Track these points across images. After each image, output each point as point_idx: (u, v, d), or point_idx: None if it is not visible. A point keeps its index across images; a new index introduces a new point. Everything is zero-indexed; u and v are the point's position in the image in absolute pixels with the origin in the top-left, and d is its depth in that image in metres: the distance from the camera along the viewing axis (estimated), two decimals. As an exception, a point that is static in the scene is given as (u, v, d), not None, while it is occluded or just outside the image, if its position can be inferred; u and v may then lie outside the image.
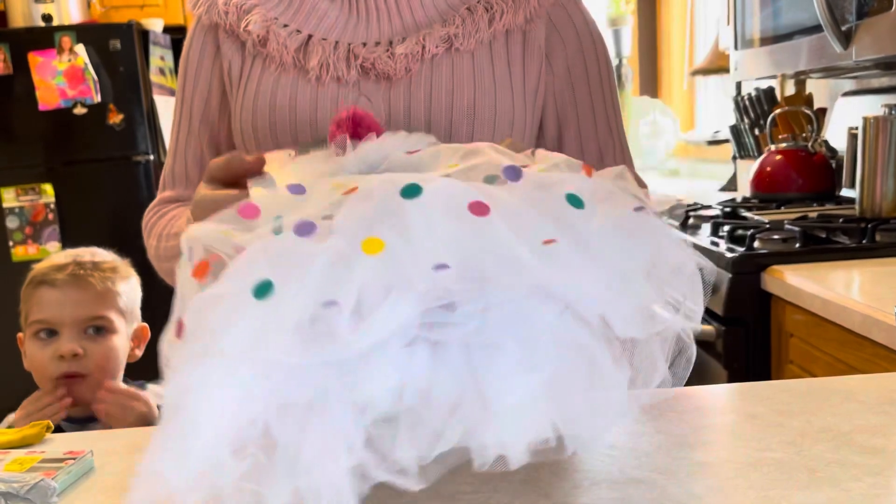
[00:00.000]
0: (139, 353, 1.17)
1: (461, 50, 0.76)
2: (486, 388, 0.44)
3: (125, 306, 1.13)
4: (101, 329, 1.11)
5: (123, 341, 1.13)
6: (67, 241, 2.90)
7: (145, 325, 1.18)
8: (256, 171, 0.56)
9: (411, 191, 0.44)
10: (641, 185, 0.84)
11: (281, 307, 0.41)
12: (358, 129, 0.59)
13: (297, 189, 0.49)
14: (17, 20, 2.99)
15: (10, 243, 2.95)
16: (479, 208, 0.44)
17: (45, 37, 2.89)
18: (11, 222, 2.94)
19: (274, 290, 0.42)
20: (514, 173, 0.49)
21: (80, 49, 2.87)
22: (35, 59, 2.86)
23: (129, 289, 1.15)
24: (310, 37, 0.77)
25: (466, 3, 0.78)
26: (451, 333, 0.43)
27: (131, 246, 3.35)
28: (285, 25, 0.77)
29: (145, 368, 1.16)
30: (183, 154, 0.84)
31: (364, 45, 0.76)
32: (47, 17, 2.98)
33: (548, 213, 0.46)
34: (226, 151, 0.83)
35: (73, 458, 0.64)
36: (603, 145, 0.82)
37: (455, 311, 0.43)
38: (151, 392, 1.15)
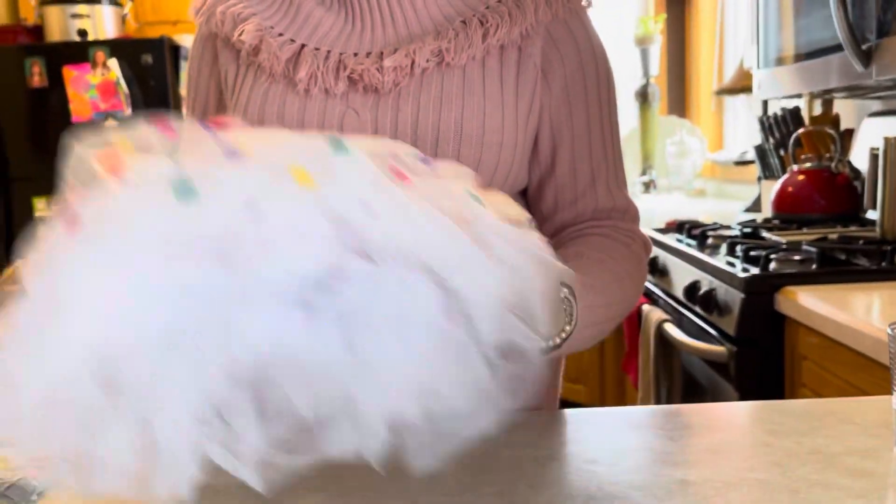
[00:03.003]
0: None
1: (452, 65, 0.74)
2: (357, 361, 0.42)
3: None
4: None
5: None
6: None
7: None
8: None
9: (339, 146, 0.44)
10: (632, 207, 0.82)
11: (201, 215, 0.39)
12: None
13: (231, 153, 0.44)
14: (54, 34, 3.08)
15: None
16: (399, 175, 0.44)
17: (79, 51, 2.97)
18: (43, 231, 3.00)
19: (197, 195, 0.39)
20: (426, 160, 0.50)
21: (113, 63, 2.94)
22: (70, 73, 2.94)
23: None
24: (303, 46, 0.76)
25: (462, 15, 0.76)
26: (329, 303, 0.41)
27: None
28: (280, 34, 0.77)
29: None
30: None
31: (355, 55, 0.75)
32: (83, 32, 3.06)
33: (452, 200, 0.46)
34: None
35: (55, 457, 0.65)
36: (596, 168, 0.80)
37: (343, 283, 0.41)
38: None
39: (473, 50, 0.74)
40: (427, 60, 0.73)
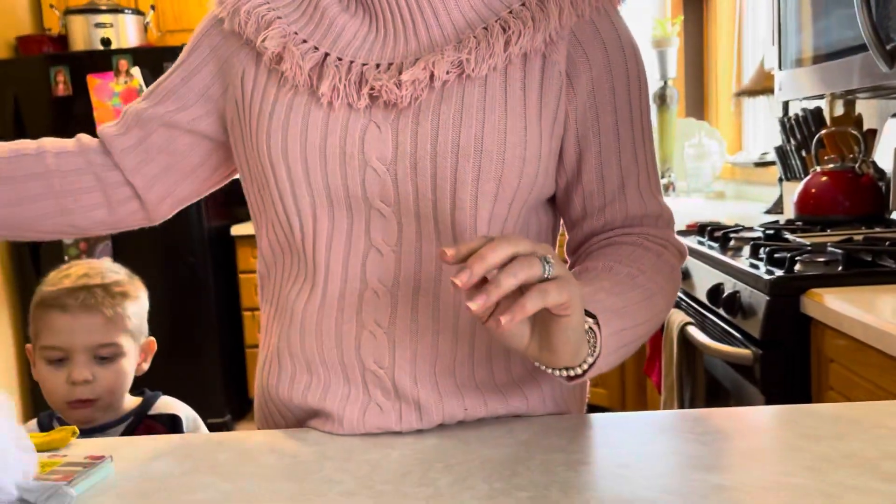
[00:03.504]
0: (146, 366, 1.19)
1: (473, 76, 0.72)
2: None
3: (134, 327, 1.15)
4: (111, 354, 1.12)
5: (132, 361, 1.15)
6: (119, 256, 2.98)
7: (152, 339, 1.19)
8: None
9: None
10: (666, 212, 0.80)
11: None
12: None
13: None
14: (78, 44, 3.12)
15: (66, 258, 3.05)
16: None
17: (103, 60, 3.00)
18: (67, 237, 3.04)
19: None
20: None
21: (136, 71, 2.98)
22: (93, 81, 2.98)
23: (139, 308, 1.16)
24: (326, 55, 0.75)
25: (485, 21, 0.74)
26: None
27: (182, 261, 3.42)
28: (304, 41, 0.76)
29: (146, 376, 1.19)
30: (175, 87, 0.83)
31: (378, 66, 0.74)
32: (106, 41, 3.10)
33: None
34: (182, 138, 0.83)
35: (93, 463, 0.66)
36: (626, 173, 0.77)
37: None
38: (164, 404, 1.17)
39: (494, 60, 0.72)
40: (447, 73, 0.72)
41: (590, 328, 0.65)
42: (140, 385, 1.18)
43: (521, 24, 0.73)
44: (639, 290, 0.71)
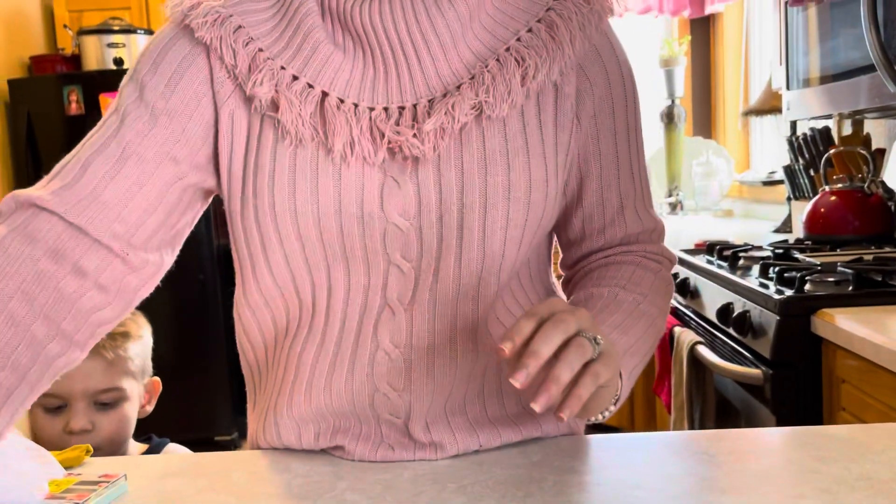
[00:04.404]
0: (150, 408, 1.13)
1: (492, 117, 0.68)
2: None
3: (137, 368, 1.08)
4: (113, 400, 1.05)
5: (135, 404, 1.09)
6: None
7: (157, 379, 1.14)
8: None
9: None
10: (659, 225, 0.80)
11: None
12: None
13: None
14: (91, 63, 3.16)
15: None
16: None
17: (115, 79, 3.01)
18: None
19: None
20: None
21: (147, 91, 3.01)
22: (106, 100, 3.01)
23: (142, 348, 1.10)
24: (324, 95, 0.67)
25: (493, 50, 0.69)
26: None
27: (191, 279, 3.41)
28: (295, 77, 0.67)
29: (160, 411, 1.13)
30: (111, 160, 0.67)
31: (386, 110, 0.67)
32: (118, 61, 3.14)
33: None
34: (177, 206, 0.70)
35: (107, 481, 0.66)
36: (624, 195, 0.76)
37: None
38: (169, 451, 1.11)
39: (514, 97, 0.68)
40: (466, 115, 0.67)
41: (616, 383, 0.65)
42: (139, 417, 1.12)
43: (535, 54, 0.69)
44: (645, 319, 0.71)
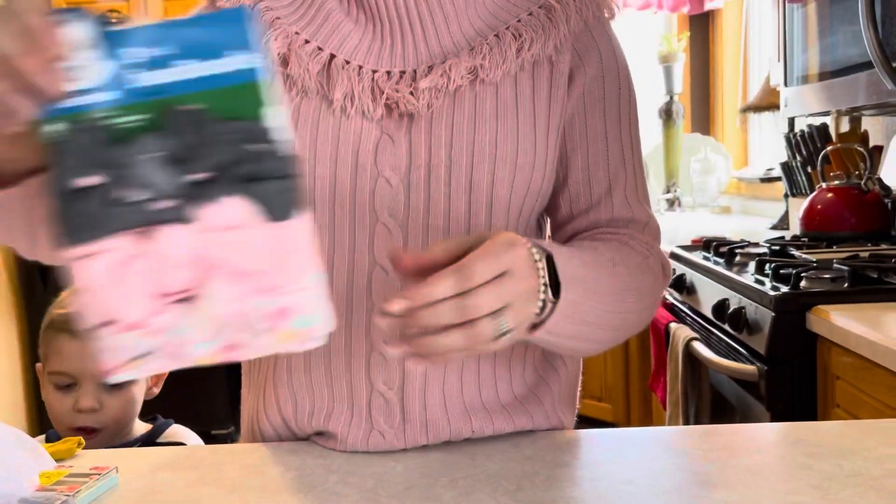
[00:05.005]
0: (157, 390, 1.16)
1: (486, 82, 0.72)
2: None
3: None
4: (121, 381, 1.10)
5: (142, 386, 1.12)
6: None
7: None
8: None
9: None
10: (653, 223, 0.78)
11: None
12: None
13: None
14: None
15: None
16: None
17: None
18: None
19: None
20: None
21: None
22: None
23: None
24: (332, 57, 0.74)
25: (494, 29, 0.75)
26: None
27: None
28: (307, 41, 0.74)
29: (158, 401, 1.15)
30: None
31: (388, 73, 0.73)
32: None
33: None
34: None
35: (98, 474, 0.66)
36: (613, 176, 0.77)
37: None
38: (173, 432, 1.15)
39: (508, 65, 0.73)
40: (462, 77, 0.72)
41: (541, 265, 0.60)
42: (145, 398, 1.16)
43: (531, 31, 0.74)
44: (616, 279, 0.69)
